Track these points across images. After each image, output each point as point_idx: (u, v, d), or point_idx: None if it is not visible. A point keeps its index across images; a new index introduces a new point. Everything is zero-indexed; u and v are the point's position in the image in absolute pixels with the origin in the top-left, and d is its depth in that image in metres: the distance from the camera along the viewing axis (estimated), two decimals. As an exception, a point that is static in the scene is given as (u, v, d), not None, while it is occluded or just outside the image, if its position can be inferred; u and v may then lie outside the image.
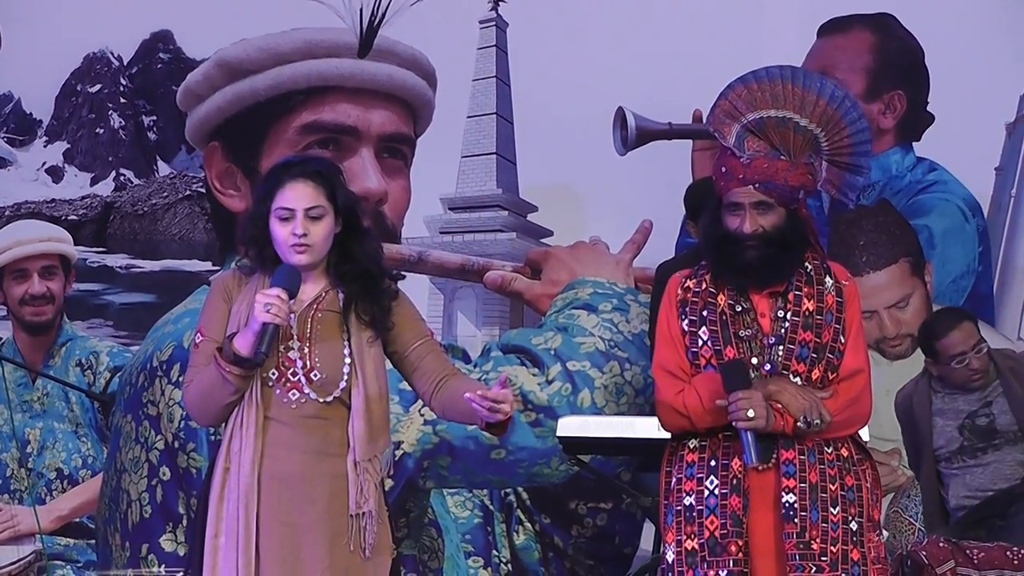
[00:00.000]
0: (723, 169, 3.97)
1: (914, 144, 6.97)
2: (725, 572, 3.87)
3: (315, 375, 3.76)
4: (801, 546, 3.84)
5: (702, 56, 6.78)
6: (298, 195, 3.75)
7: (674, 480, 3.97)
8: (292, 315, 3.73)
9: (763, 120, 3.95)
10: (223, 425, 3.81)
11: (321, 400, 3.75)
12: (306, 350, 3.76)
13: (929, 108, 6.95)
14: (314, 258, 3.78)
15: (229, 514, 3.70)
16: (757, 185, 3.92)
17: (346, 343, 3.79)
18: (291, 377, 3.75)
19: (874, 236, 6.53)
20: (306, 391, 3.75)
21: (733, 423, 3.84)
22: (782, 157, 3.94)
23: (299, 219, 3.74)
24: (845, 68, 6.87)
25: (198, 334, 3.81)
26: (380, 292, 3.83)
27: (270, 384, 3.75)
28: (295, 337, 3.76)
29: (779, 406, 3.85)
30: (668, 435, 4.09)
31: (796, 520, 3.85)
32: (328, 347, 3.78)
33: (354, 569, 3.75)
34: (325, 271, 3.84)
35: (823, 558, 3.84)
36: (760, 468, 3.88)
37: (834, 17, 6.98)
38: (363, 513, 3.73)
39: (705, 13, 7.01)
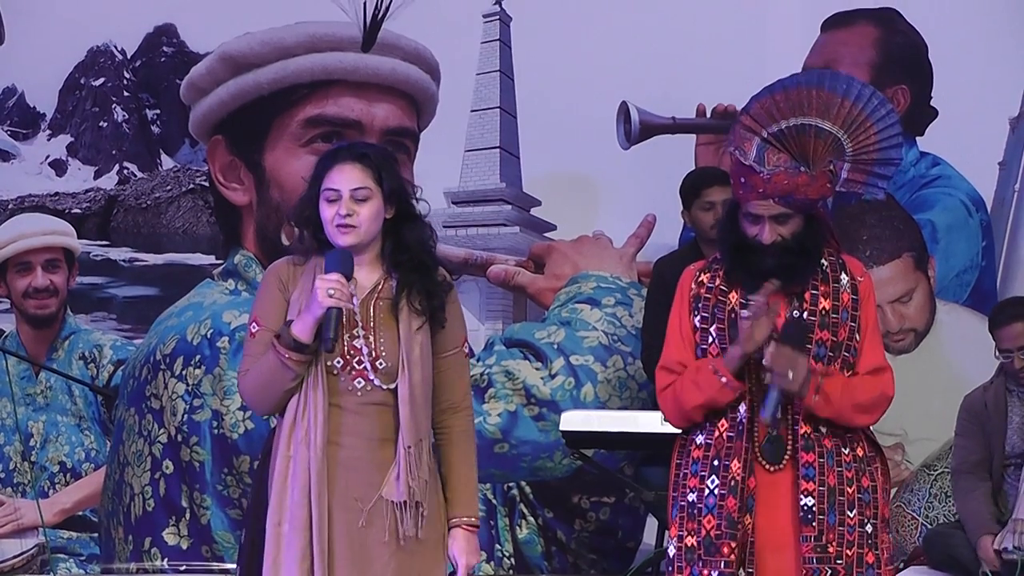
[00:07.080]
0: (742, 179, 3.92)
1: (918, 139, 6.95)
2: (716, 573, 3.87)
3: (381, 363, 3.77)
4: (818, 549, 3.84)
5: (706, 51, 6.77)
6: (344, 177, 3.78)
7: (681, 474, 3.98)
8: (355, 299, 3.75)
9: (783, 132, 3.92)
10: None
11: (386, 387, 3.76)
12: (371, 338, 3.78)
13: (932, 103, 6.93)
14: (359, 239, 3.79)
15: (294, 502, 3.71)
16: (777, 199, 3.91)
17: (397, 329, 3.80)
18: (356, 365, 3.77)
19: (878, 231, 6.52)
20: (371, 378, 3.76)
21: (767, 371, 3.81)
22: (802, 171, 3.90)
23: (344, 200, 3.76)
24: (848, 63, 6.85)
25: (253, 323, 3.81)
26: (435, 284, 3.84)
27: (335, 373, 3.76)
28: (360, 325, 3.77)
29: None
30: (670, 430, 4.09)
31: (814, 523, 3.85)
32: (390, 335, 3.79)
33: (417, 557, 3.78)
34: (380, 259, 3.86)
35: (839, 561, 3.85)
36: (771, 469, 3.88)
37: (838, 12, 6.97)
38: (407, 503, 3.74)
39: (709, 8, 6.99)
